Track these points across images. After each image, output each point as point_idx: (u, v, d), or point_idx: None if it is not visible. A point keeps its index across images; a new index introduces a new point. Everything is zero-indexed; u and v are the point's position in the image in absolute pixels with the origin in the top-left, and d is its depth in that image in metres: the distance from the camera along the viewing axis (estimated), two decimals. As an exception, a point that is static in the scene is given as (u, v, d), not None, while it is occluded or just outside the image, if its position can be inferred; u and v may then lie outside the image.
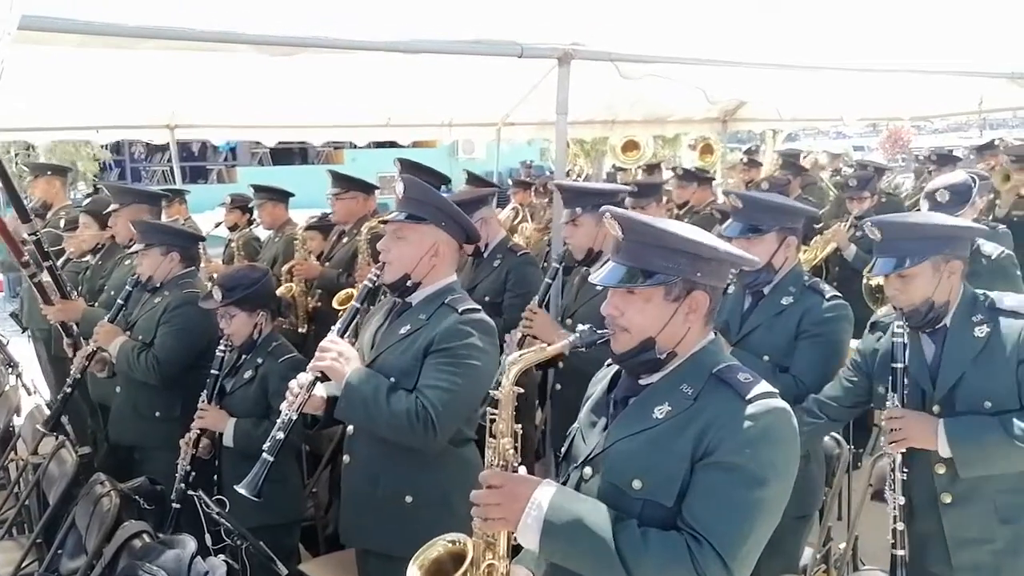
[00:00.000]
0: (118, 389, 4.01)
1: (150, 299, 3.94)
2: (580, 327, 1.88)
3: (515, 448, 1.84)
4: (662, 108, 7.65)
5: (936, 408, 2.56)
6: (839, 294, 3.06)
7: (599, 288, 3.38)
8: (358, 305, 2.75)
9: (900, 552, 2.55)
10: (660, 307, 1.82)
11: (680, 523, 1.71)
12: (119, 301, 3.95)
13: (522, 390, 1.86)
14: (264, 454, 2.58)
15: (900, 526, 2.56)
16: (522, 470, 1.87)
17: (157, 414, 3.85)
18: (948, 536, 2.59)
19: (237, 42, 3.26)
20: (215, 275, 6.28)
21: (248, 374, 3.41)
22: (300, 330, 5.33)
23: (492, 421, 1.86)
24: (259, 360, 3.42)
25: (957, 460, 2.48)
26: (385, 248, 2.72)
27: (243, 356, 3.47)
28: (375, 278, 2.73)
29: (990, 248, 3.91)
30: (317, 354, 2.62)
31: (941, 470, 2.55)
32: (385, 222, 2.84)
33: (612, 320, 1.85)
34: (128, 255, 4.54)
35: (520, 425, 1.86)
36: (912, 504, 2.63)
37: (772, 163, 9.44)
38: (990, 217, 6.15)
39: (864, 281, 5.26)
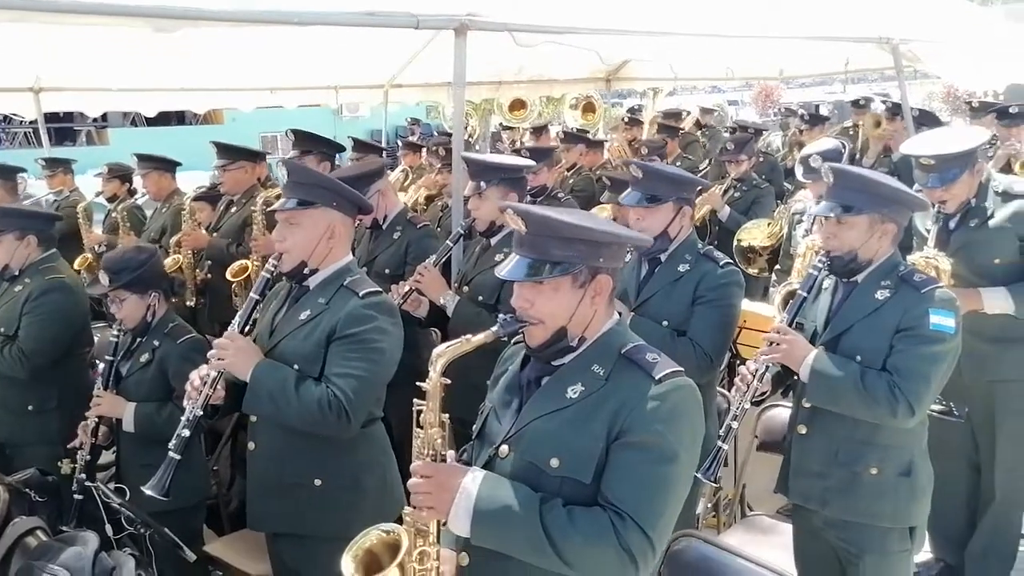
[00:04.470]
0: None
1: (9, 288, 3.71)
2: (501, 316, 1.93)
3: (443, 438, 1.89)
4: (549, 69, 7.71)
5: (820, 349, 2.75)
6: (732, 261, 3.21)
7: (497, 260, 3.49)
8: (257, 297, 2.71)
9: (724, 446, 2.78)
10: (568, 294, 1.88)
11: (602, 500, 1.80)
12: None
13: (449, 381, 1.90)
14: (170, 453, 2.56)
15: (735, 424, 2.80)
16: (450, 456, 1.92)
17: (30, 408, 3.68)
18: (792, 463, 2.87)
19: (114, 14, 3.07)
20: (96, 246, 6.04)
21: (145, 357, 3.31)
22: (189, 304, 5.17)
23: (420, 412, 1.89)
24: (156, 343, 3.32)
25: (808, 386, 2.71)
26: (280, 237, 2.69)
27: (137, 339, 3.36)
28: (273, 269, 2.69)
29: None
30: (217, 351, 2.59)
31: (807, 404, 2.79)
32: (275, 211, 2.78)
33: (523, 312, 1.90)
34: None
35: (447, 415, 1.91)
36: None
37: (653, 121, 9.66)
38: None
39: (736, 243, 5.50)
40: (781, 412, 3.61)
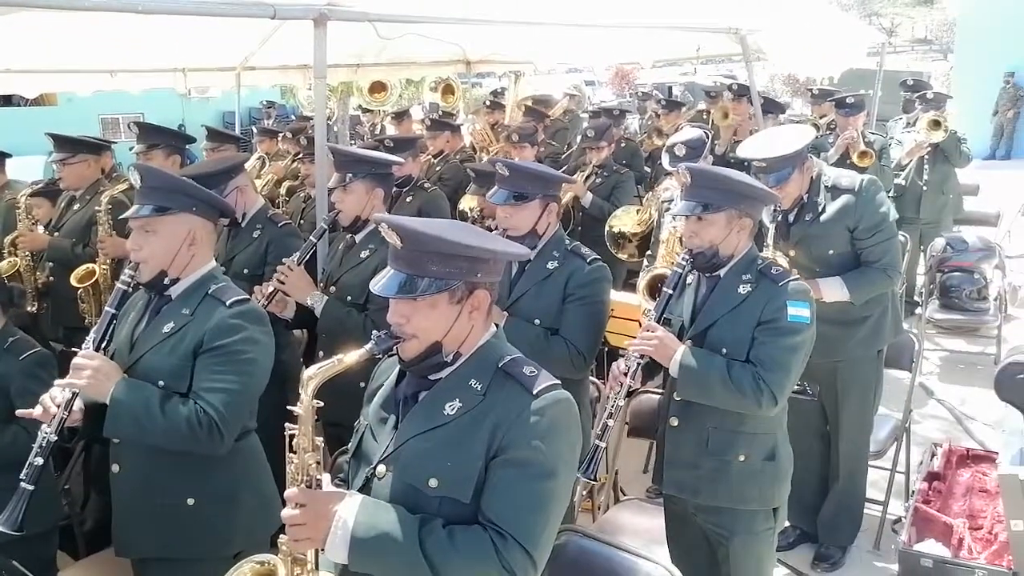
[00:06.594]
0: None
1: None
2: (375, 333, 1.86)
3: (317, 462, 1.82)
4: (409, 52, 7.59)
5: (688, 343, 2.85)
6: (599, 257, 3.25)
7: (364, 257, 3.41)
8: (113, 311, 2.53)
9: (601, 444, 2.84)
10: (445, 311, 1.85)
11: (482, 519, 1.78)
12: None
13: (321, 403, 1.83)
14: (22, 483, 2.36)
15: (611, 421, 2.85)
16: (326, 479, 1.85)
17: None
18: (666, 455, 2.97)
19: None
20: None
21: (-19, 376, 3.03)
22: (30, 309, 4.80)
23: (292, 437, 1.82)
24: (-7, 360, 3.05)
25: (679, 380, 2.80)
26: (136, 246, 2.52)
27: (-28, 358, 3.07)
28: (130, 280, 2.53)
29: None
30: (72, 372, 2.41)
31: (678, 397, 2.88)
32: (129, 218, 2.60)
33: (398, 327, 1.86)
34: None
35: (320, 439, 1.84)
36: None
37: (515, 105, 9.69)
38: (711, 160, 6.76)
39: (607, 228, 5.63)
40: (650, 398, 3.73)
